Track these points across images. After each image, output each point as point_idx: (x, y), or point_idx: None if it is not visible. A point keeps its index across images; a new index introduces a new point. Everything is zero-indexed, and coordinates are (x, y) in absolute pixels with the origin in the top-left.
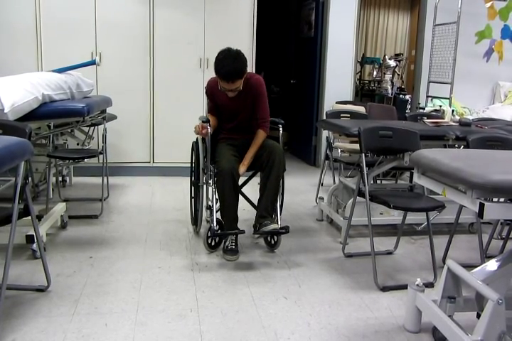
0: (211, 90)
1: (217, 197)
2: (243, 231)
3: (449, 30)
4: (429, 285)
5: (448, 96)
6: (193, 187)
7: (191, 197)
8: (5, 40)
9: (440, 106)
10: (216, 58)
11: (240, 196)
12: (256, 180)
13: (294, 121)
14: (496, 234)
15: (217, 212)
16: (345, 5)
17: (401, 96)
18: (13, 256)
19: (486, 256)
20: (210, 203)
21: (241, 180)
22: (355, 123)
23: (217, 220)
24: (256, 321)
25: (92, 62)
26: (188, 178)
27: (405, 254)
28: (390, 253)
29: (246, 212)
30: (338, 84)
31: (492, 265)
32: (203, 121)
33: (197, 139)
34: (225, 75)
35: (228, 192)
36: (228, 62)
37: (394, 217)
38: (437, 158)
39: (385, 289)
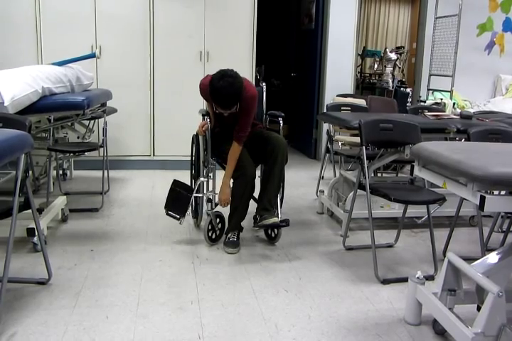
0: (204, 94)
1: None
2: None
3: (450, 23)
4: (430, 277)
5: (449, 89)
6: (193, 181)
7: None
8: (5, 33)
9: (441, 99)
10: (212, 84)
11: None
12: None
13: (294, 114)
14: (496, 227)
15: (217, 204)
16: None
17: (402, 89)
18: (14, 249)
19: (486, 249)
20: (210, 196)
21: None
22: (355, 116)
23: (218, 213)
24: (257, 314)
25: (92, 55)
26: (189, 171)
27: (406, 247)
28: (390, 246)
29: None
30: (338, 77)
31: (492, 258)
32: (203, 115)
33: (197, 132)
34: (223, 105)
35: (246, 196)
36: (225, 91)
37: (394, 210)
38: (438, 150)
39: (385, 282)
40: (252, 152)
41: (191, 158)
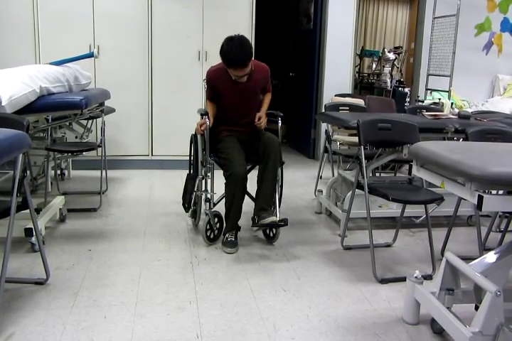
0: (214, 80)
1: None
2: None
3: (448, 23)
4: (428, 277)
5: (447, 89)
6: (191, 180)
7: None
8: (3, 32)
9: (439, 99)
10: (223, 50)
11: None
12: (255, 173)
13: (292, 114)
14: (494, 227)
15: (215, 204)
16: None
17: (400, 89)
18: (12, 249)
19: (484, 249)
20: (209, 196)
21: None
22: (354, 116)
23: (216, 213)
24: (255, 313)
25: (90, 55)
26: (187, 171)
27: (404, 247)
28: (388, 245)
29: (245, 205)
30: (337, 76)
31: (490, 257)
32: (201, 114)
33: (195, 131)
34: (239, 63)
35: (238, 197)
36: (237, 49)
37: (393, 209)
38: (436, 150)
39: (383, 281)
40: (246, 152)
41: (189, 158)
